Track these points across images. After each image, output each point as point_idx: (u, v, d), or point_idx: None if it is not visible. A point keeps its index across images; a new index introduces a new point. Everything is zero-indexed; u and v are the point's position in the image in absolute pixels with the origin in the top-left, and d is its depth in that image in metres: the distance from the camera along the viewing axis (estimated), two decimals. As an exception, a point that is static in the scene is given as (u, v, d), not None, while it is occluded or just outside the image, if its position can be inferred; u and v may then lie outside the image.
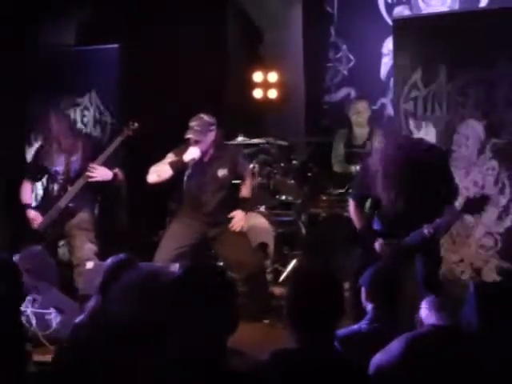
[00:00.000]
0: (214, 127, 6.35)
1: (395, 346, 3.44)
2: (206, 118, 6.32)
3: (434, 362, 3.32)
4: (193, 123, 6.26)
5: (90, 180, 6.45)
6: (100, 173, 6.46)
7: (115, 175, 6.55)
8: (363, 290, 4.30)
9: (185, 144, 6.32)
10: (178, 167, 6.27)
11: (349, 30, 8.71)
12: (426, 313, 3.70)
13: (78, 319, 3.66)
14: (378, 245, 5.31)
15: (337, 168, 7.95)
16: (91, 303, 3.71)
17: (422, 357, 3.36)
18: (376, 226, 5.44)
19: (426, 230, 5.10)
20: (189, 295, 2.88)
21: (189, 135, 6.24)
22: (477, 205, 5.31)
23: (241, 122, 8.62)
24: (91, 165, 6.44)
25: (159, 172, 6.30)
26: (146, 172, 6.44)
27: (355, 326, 4.11)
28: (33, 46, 8.07)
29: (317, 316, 3.06)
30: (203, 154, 6.31)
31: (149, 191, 6.46)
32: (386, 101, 8.37)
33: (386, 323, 4.09)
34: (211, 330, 2.85)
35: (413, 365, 3.35)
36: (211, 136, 6.34)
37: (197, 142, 6.26)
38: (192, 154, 6.25)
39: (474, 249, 6.29)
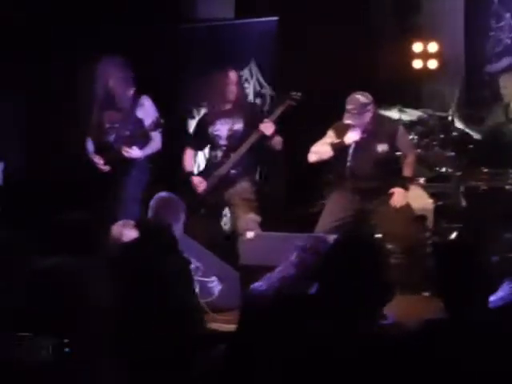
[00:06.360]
0: (370, 106, 6.35)
1: None
2: (361, 98, 6.30)
3: None
4: (349, 106, 6.28)
5: (266, 134, 6.50)
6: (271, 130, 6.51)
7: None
8: None
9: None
10: (339, 148, 6.36)
11: (513, -2, 8.44)
12: None
13: (257, 285, 3.65)
14: None
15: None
16: (281, 272, 3.64)
17: None
18: None
19: None
20: (338, 267, 2.93)
21: (347, 120, 6.30)
22: None
23: (398, 93, 8.53)
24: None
25: (320, 153, 6.45)
26: (301, 143, 6.59)
27: None
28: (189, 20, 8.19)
29: (464, 289, 3.01)
30: (362, 132, 6.35)
31: (305, 163, 6.53)
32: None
33: None
34: (364, 300, 2.88)
35: None
36: (368, 115, 6.36)
37: (355, 126, 6.30)
38: (352, 137, 6.33)
39: None
